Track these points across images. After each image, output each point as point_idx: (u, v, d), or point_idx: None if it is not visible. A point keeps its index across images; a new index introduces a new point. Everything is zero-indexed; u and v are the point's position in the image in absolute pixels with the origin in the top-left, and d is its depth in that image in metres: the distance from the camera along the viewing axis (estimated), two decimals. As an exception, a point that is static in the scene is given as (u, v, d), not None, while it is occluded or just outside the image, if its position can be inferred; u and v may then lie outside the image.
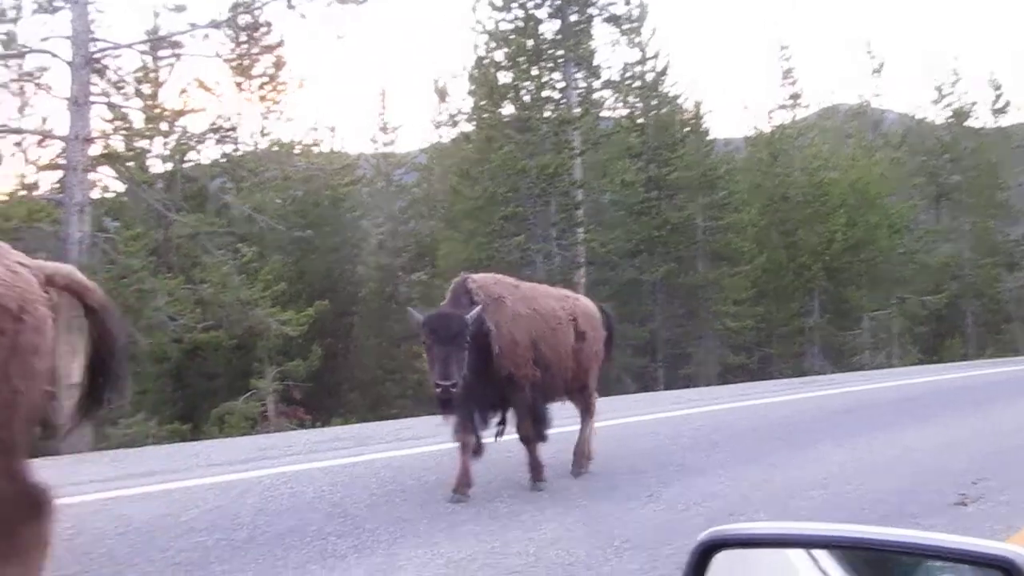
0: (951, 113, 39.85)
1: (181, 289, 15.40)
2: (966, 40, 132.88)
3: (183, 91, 18.50)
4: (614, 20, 27.48)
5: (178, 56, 17.27)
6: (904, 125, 41.59)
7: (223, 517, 5.77)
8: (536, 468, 6.58)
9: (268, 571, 4.58)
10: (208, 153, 20.97)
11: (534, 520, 5.65)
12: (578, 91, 26.39)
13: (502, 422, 6.79)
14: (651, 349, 28.00)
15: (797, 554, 1.67)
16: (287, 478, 7.07)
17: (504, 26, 25.33)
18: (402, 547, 5.02)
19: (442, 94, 32.07)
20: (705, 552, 1.61)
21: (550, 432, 6.87)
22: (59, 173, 16.03)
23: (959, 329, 36.94)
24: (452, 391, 5.73)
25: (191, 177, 19.25)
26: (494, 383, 6.34)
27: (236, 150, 21.86)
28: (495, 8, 25.20)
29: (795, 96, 35.71)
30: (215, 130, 19.38)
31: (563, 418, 7.23)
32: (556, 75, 25.66)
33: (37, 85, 16.47)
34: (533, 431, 6.58)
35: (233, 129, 21.48)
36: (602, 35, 31.07)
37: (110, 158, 16.46)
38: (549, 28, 25.31)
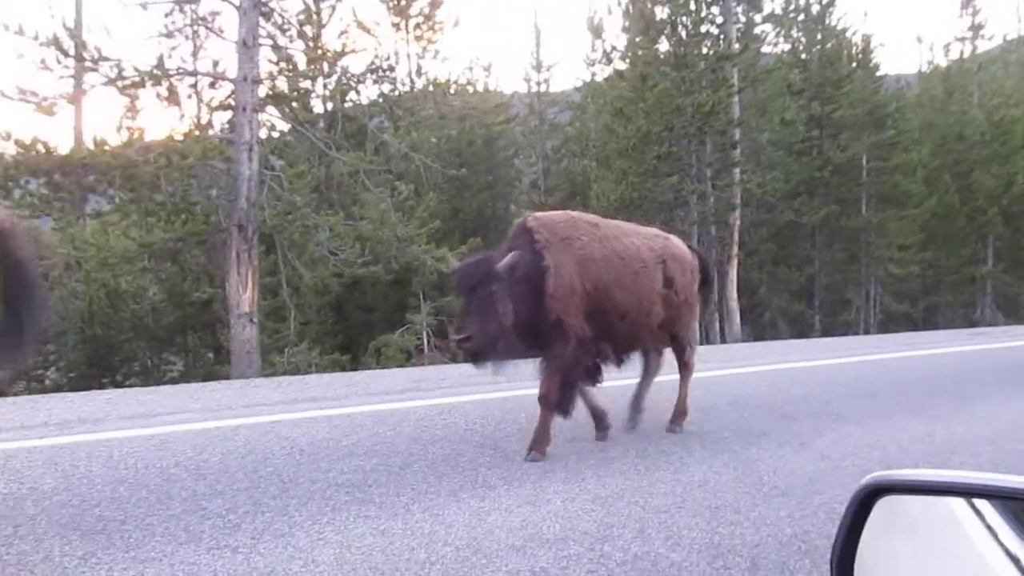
0: None
1: (341, 225, 15.96)
2: None
3: (343, 32, 18.98)
4: (779, -51, 26.26)
5: (339, -2, 17.68)
6: (1101, 57, 38.04)
7: (381, 444, 6.04)
8: (540, 437, 5.79)
9: (422, 497, 4.77)
10: (367, 93, 21.54)
11: (682, 461, 5.64)
12: (738, 26, 25.48)
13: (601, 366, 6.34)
14: (808, 294, 27.18)
15: (961, 506, 1.60)
16: (441, 410, 7.31)
17: (662, -41, 24.62)
18: (550, 481, 5.12)
19: (597, 31, 31.66)
20: (868, 496, 1.57)
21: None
22: (229, 113, 16.85)
23: None
24: (466, 345, 5.44)
25: (351, 116, 19.80)
26: (549, 328, 5.80)
27: (394, 90, 22.37)
28: (653, -59, 24.50)
29: (977, 27, 33.39)
30: (373, 70, 19.85)
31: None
32: (715, 9, 24.81)
33: (208, 29, 17.30)
34: (556, 393, 5.82)
35: (391, 69, 21.98)
36: (766, -34, 29.72)
37: (276, 98, 17.13)
38: (709, -40, 24.41)
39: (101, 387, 15.73)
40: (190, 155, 14.75)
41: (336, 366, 16.52)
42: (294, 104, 18.05)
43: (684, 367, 6.90)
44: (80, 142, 18.95)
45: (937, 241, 28.81)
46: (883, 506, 1.56)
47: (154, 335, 19.03)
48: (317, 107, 20.17)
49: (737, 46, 23.86)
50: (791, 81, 27.29)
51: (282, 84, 17.65)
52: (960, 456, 5.95)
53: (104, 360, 18.67)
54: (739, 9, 25.80)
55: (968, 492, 1.59)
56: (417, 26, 24.25)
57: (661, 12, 24.40)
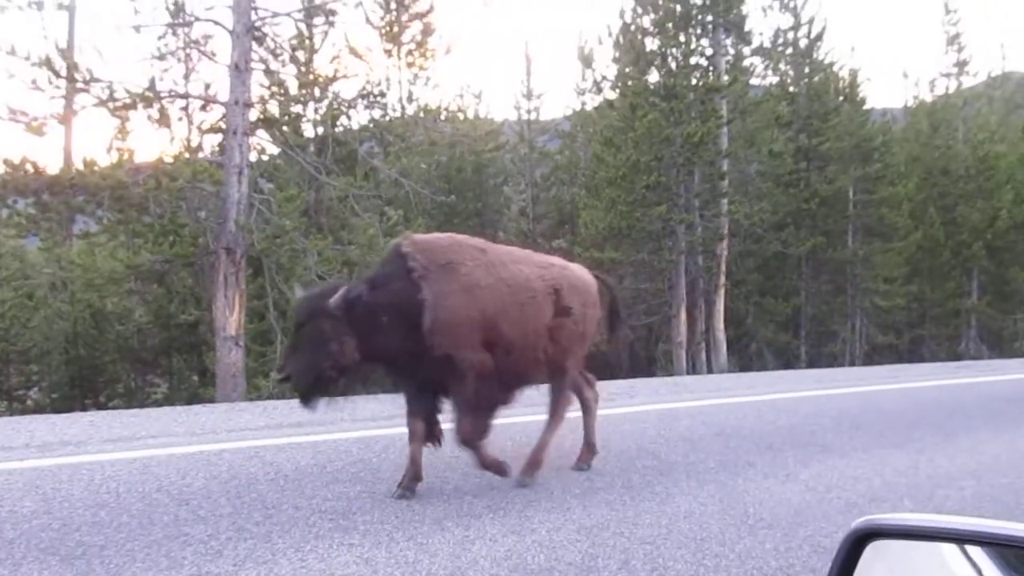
0: None
1: (330, 250, 15.94)
2: None
3: (335, 57, 19.07)
4: (768, -16, 26.59)
5: (332, 23, 17.77)
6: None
7: (366, 470, 6.01)
8: (490, 465, 5.62)
9: (407, 525, 4.74)
10: (358, 118, 21.61)
11: (667, 492, 5.63)
12: (727, 58, 25.69)
13: None
14: (794, 325, 27.26)
15: (951, 549, 1.60)
16: (426, 437, 7.27)
17: (653, -10, 24.89)
18: (536, 510, 5.10)
19: (587, 60, 31.86)
20: (858, 540, 1.57)
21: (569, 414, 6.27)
22: (220, 136, 16.88)
23: None
24: (286, 384, 5.15)
25: (341, 141, 19.84)
26: (436, 364, 5.38)
27: (384, 115, 22.44)
28: (644, -27, 24.78)
29: (961, 63, 33.77)
30: (365, 95, 19.91)
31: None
32: (704, 41, 25.02)
33: (201, 52, 17.36)
34: (473, 428, 5.46)
35: (382, 95, 22.05)
36: (754, 0, 30.15)
37: (267, 122, 17.18)
38: (699, -8, 24.66)
39: (84, 409, 15.62)
40: (180, 177, 14.74)
41: (322, 391, 16.37)
42: (285, 128, 18.10)
43: (555, 407, 6.18)
44: (69, 162, 18.92)
45: (922, 274, 28.99)
46: (874, 550, 1.56)
47: (139, 357, 18.94)
48: (308, 131, 20.21)
49: (726, 78, 24.07)
50: (779, 113, 27.51)
51: (273, 108, 17.71)
52: (944, 490, 5.97)
53: (88, 381, 18.56)
54: (728, 42, 26.03)
55: (956, 538, 1.59)
56: (409, 52, 24.40)
57: (651, 43, 24.62)
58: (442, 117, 23.45)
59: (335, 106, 19.02)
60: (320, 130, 20.06)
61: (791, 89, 28.60)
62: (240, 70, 14.69)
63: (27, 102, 16.29)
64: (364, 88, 20.18)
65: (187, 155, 16.51)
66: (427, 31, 23.87)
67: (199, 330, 17.98)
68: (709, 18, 24.55)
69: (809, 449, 7.22)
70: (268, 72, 17.06)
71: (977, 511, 5.35)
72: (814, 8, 32.27)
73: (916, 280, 28.44)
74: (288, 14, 15.92)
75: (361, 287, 5.36)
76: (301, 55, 18.14)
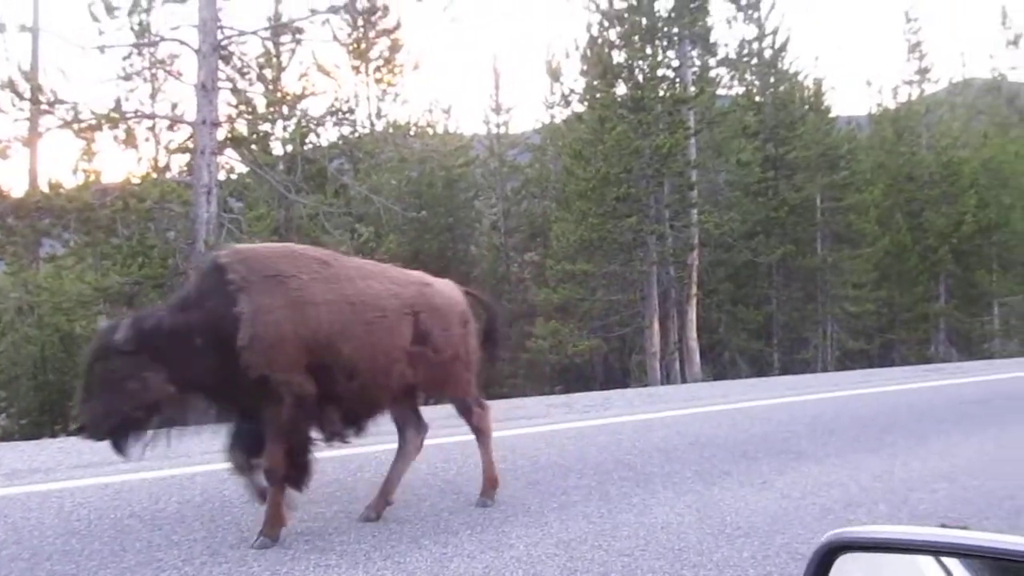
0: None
1: (302, 268, 15.87)
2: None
3: (303, 75, 19.05)
4: (732, -5, 26.92)
5: (299, 41, 17.81)
6: (1043, 100, 39.27)
7: (341, 490, 5.96)
8: (272, 518, 4.78)
9: (383, 544, 4.71)
10: (327, 135, 21.56)
11: (645, 504, 5.63)
12: (693, 69, 25.97)
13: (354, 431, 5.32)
14: (766, 333, 27.45)
15: (926, 559, 1.60)
16: (402, 454, 7.23)
17: (618, 4, 25.11)
18: (513, 526, 5.09)
19: (555, 74, 32.05)
20: (829, 553, 1.57)
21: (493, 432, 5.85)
22: (188, 156, 16.77)
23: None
24: (84, 436, 4.74)
25: (311, 159, 19.79)
26: (253, 387, 4.75)
27: (354, 132, 22.39)
28: (609, -14, 25.00)
29: (923, 71, 34.38)
30: (333, 113, 19.88)
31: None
32: (671, 53, 25.28)
33: (167, 72, 17.28)
34: (285, 465, 4.82)
35: (351, 111, 22.01)
36: (719, 11, 30.52)
37: (235, 141, 17.10)
38: (664, 5, 24.92)
39: (54, 435, 15.37)
40: (148, 198, 14.65)
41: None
42: (253, 147, 18.01)
43: (476, 431, 5.78)
44: (35, 185, 18.70)
45: (891, 279, 29.32)
46: (844, 563, 1.56)
47: (109, 381, 18.64)
48: (277, 150, 20.13)
49: (693, 89, 24.30)
50: (746, 123, 27.77)
51: (241, 127, 17.63)
52: (918, 494, 6.02)
53: (57, 407, 18.28)
54: (694, 53, 26.31)
55: (923, 549, 1.59)
56: (377, 69, 24.37)
57: (618, 56, 24.81)
58: (412, 133, 23.53)
59: (303, 124, 18.97)
60: (289, 148, 19.98)
61: (757, 99, 28.90)
62: (207, 89, 14.65)
63: (-9, 125, 16.13)
64: (333, 105, 20.14)
65: (155, 175, 16.41)
66: (395, 47, 23.85)
67: (170, 352, 17.76)
68: (675, 30, 24.83)
69: (784, 456, 7.25)
70: (235, 91, 16.99)
71: (951, 514, 5.40)
72: (778, 19, 32.51)
73: (885, 285, 28.76)
74: (255, 32, 15.93)
75: (161, 312, 4.83)
76: (268, 73, 18.11)
